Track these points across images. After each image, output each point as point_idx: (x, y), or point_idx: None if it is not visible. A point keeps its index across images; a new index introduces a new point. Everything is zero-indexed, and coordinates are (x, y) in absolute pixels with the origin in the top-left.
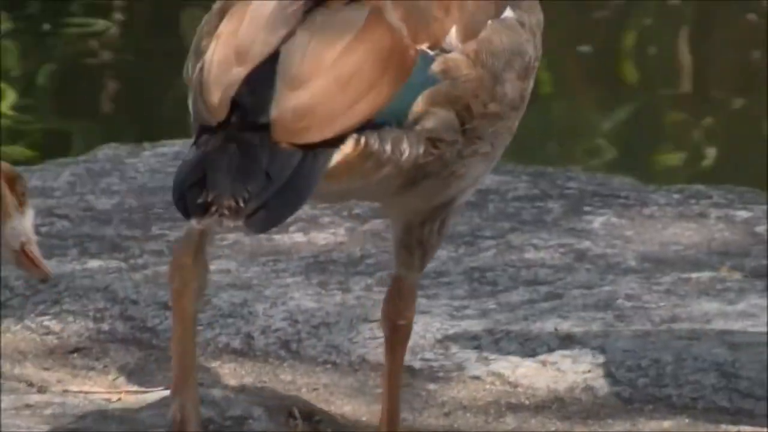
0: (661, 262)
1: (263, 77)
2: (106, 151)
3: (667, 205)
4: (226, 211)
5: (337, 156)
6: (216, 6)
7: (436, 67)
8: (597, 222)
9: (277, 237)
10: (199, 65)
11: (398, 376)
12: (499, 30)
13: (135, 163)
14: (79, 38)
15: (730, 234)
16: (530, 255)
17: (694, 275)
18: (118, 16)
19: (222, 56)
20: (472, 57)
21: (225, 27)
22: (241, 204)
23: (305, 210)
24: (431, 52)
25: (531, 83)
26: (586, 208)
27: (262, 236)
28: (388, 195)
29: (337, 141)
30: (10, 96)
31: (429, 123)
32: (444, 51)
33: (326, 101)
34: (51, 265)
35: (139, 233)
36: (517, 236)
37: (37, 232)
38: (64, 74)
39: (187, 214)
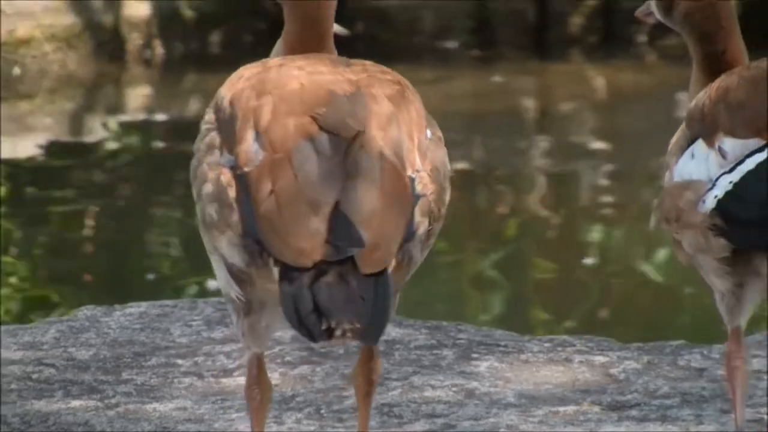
0: (535, 398)
1: (339, 223)
2: (85, 312)
3: (540, 352)
4: (349, 333)
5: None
6: (205, 143)
7: (418, 186)
8: (483, 366)
9: (224, 380)
10: (254, 216)
11: (368, 417)
12: (433, 148)
13: (107, 322)
14: (64, 218)
15: (590, 375)
16: (429, 393)
17: (561, 409)
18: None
19: (295, 206)
20: (431, 174)
21: (277, 182)
22: (357, 325)
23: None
24: (414, 174)
25: None
26: (474, 355)
27: (212, 379)
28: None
29: None
30: (15, 268)
31: (420, 230)
32: (418, 173)
33: (386, 237)
34: (41, 405)
35: (112, 378)
36: (418, 378)
37: (29, 378)
38: (53, 248)
39: (313, 339)
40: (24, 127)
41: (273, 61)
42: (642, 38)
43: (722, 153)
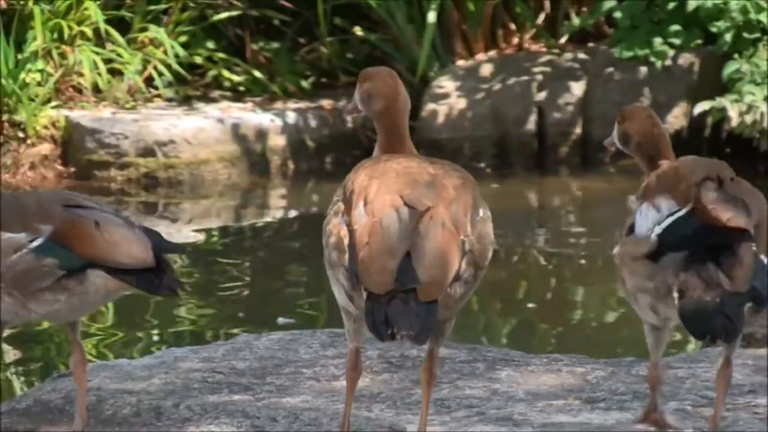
0: (537, 395)
1: (405, 265)
2: (242, 337)
3: (540, 365)
4: (404, 338)
5: (440, 300)
6: (333, 224)
7: (468, 246)
8: (503, 374)
9: (334, 383)
10: (353, 257)
11: (429, 401)
12: (483, 222)
13: (257, 344)
14: (229, 274)
15: (573, 380)
16: (468, 391)
17: (554, 402)
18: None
19: (379, 252)
20: (478, 240)
21: (371, 236)
22: (411, 332)
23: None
24: (464, 238)
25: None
26: (498, 367)
27: (325, 383)
28: (443, 309)
29: None
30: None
31: (466, 274)
32: (468, 238)
33: (438, 279)
34: (213, 398)
35: (260, 381)
36: (461, 381)
37: (206, 381)
38: (222, 294)
39: (381, 339)
40: (203, 217)
41: (383, 157)
42: (607, 161)
43: (657, 209)
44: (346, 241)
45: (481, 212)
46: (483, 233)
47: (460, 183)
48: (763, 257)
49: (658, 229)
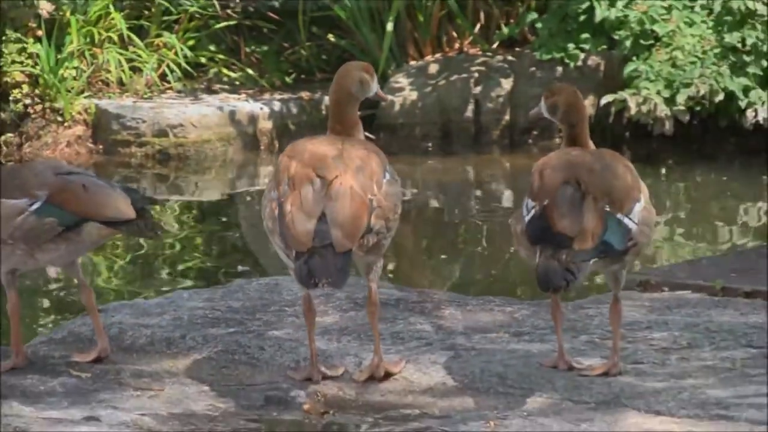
0: (474, 329)
1: (321, 225)
2: (236, 282)
3: (476, 305)
4: (324, 285)
5: (355, 250)
6: (268, 199)
7: (375, 203)
8: (446, 312)
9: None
10: (281, 223)
11: (377, 327)
12: (390, 183)
13: (248, 287)
14: (225, 231)
15: (503, 317)
16: (418, 326)
17: (487, 335)
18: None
19: (299, 217)
20: (385, 197)
21: (292, 205)
22: (330, 279)
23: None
24: (372, 197)
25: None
26: (442, 306)
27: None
28: (364, 255)
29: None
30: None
31: (376, 227)
32: (375, 196)
33: (351, 234)
34: (213, 331)
35: (250, 317)
36: (413, 318)
37: (206, 317)
38: (222, 247)
39: (307, 287)
40: (205, 187)
41: (302, 140)
42: (531, 142)
43: (527, 205)
44: (276, 211)
45: (387, 176)
46: (389, 192)
47: (365, 153)
48: (619, 216)
49: (526, 219)
